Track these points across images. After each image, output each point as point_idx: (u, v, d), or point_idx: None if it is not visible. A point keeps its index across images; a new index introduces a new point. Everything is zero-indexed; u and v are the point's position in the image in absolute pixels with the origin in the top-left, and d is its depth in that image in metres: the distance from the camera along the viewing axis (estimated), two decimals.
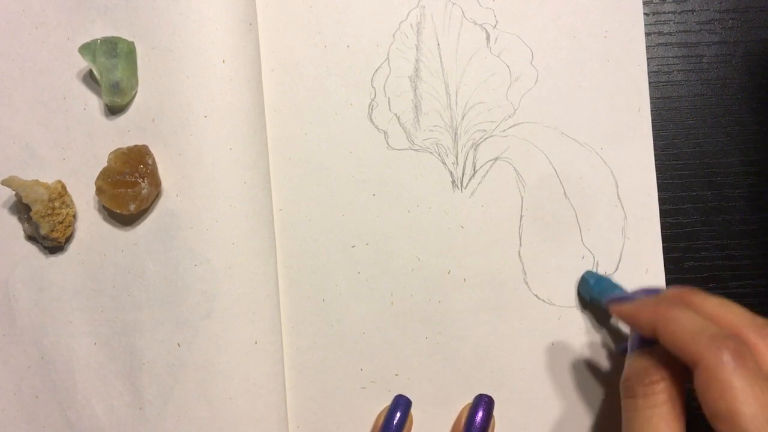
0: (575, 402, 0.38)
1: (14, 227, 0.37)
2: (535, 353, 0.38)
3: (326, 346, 0.38)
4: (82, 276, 0.37)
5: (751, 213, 0.40)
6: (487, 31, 0.40)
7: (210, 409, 0.36)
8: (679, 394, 0.29)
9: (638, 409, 0.29)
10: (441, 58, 0.40)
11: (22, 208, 0.37)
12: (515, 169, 0.39)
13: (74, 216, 0.37)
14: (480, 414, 0.37)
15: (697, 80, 0.41)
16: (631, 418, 0.30)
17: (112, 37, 0.36)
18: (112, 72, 0.36)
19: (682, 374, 0.29)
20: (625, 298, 0.34)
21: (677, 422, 0.29)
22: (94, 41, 0.36)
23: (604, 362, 0.38)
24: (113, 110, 0.37)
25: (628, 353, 0.33)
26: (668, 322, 0.29)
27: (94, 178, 0.36)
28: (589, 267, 0.39)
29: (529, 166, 0.39)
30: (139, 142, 0.36)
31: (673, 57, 0.41)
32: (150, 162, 0.36)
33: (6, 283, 0.37)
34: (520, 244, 0.39)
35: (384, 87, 0.39)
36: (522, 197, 0.39)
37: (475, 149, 0.39)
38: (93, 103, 0.37)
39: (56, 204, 0.36)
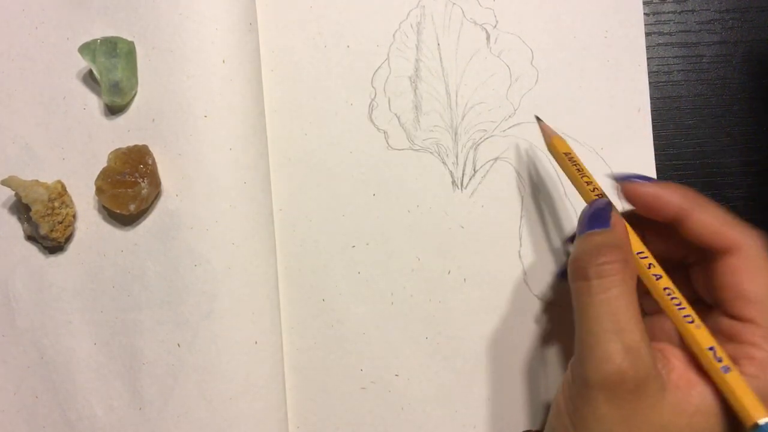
0: None
1: (14, 227, 0.37)
2: (535, 353, 0.38)
3: (326, 346, 0.38)
4: (82, 276, 0.37)
5: (751, 213, 0.40)
6: (487, 31, 0.40)
7: (210, 409, 0.36)
8: (633, 279, 0.27)
9: (592, 292, 0.27)
10: (441, 58, 0.40)
11: (22, 208, 0.37)
12: (515, 169, 0.39)
13: (74, 216, 0.37)
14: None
15: (697, 80, 0.40)
16: (585, 303, 0.27)
17: (112, 37, 0.36)
18: (112, 72, 0.36)
19: (634, 260, 0.28)
20: (642, 178, 0.31)
21: (635, 306, 0.27)
22: (94, 41, 0.36)
23: None
24: (113, 110, 0.37)
25: (576, 238, 0.30)
26: (702, 207, 0.29)
27: (94, 178, 0.36)
28: None
29: (529, 166, 0.39)
30: (139, 142, 0.36)
31: (673, 57, 0.41)
32: (150, 162, 0.36)
33: (6, 283, 0.37)
34: (520, 244, 0.39)
35: (384, 87, 0.39)
36: (522, 197, 0.39)
37: (475, 149, 0.39)
38: (93, 103, 0.37)
39: (56, 204, 0.36)
